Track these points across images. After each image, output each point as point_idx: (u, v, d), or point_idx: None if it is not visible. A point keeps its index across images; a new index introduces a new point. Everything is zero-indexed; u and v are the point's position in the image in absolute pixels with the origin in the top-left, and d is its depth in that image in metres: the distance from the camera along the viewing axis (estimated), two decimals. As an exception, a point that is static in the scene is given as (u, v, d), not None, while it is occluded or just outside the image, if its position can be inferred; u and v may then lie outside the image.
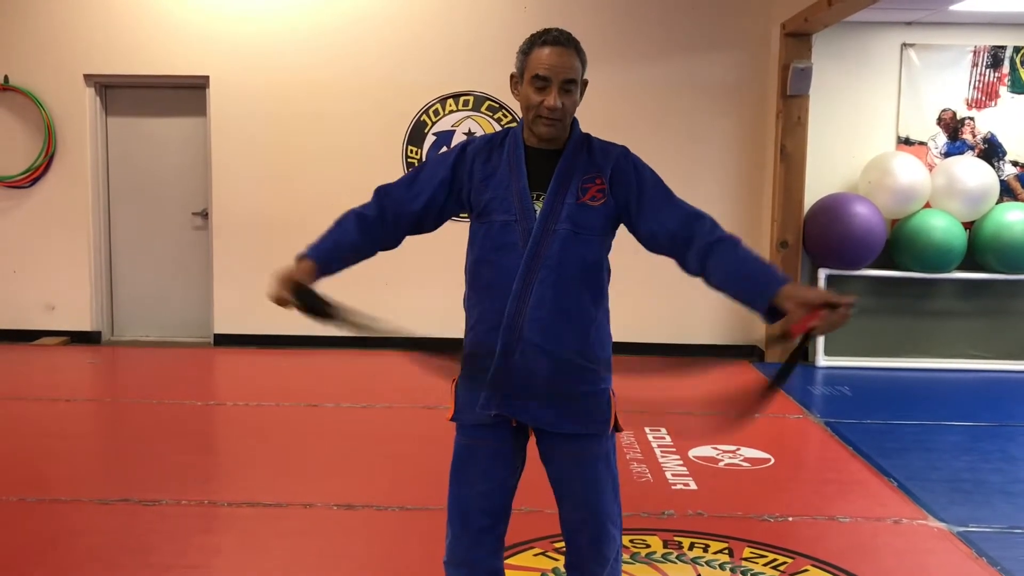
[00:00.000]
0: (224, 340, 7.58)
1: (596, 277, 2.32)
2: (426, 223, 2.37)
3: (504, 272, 2.26)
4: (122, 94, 7.68)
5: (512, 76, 2.32)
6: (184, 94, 7.58)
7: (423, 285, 7.26)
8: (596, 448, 2.34)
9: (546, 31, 2.25)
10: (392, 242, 2.40)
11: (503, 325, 2.25)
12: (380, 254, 7.02)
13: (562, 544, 3.37)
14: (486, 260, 2.30)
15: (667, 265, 2.42)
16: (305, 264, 2.25)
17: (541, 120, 2.24)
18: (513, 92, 2.32)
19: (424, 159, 7.39)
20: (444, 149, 7.37)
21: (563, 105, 2.22)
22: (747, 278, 2.16)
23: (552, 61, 2.20)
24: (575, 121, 2.34)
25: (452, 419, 2.38)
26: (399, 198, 2.34)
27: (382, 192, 2.37)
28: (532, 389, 2.26)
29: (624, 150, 2.38)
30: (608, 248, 2.36)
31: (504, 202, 2.28)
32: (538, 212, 2.26)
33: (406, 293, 7.24)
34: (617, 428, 2.37)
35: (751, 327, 7.45)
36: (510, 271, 2.25)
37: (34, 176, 7.52)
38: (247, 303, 7.55)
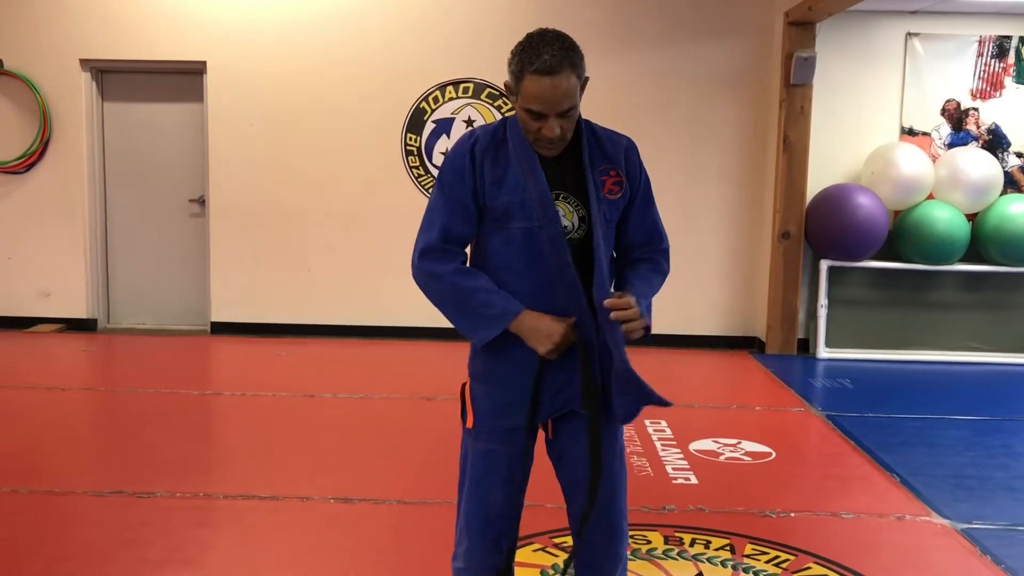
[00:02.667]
0: (221, 328, 7.53)
1: (613, 267, 2.32)
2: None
3: (535, 280, 2.20)
4: (118, 79, 7.60)
5: (506, 85, 2.18)
6: (181, 80, 7.51)
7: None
8: (612, 444, 2.29)
9: (537, 54, 2.05)
10: None
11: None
12: (376, 244, 6.98)
13: (562, 539, 3.35)
14: (511, 269, 2.22)
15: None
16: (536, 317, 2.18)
17: (541, 144, 2.16)
18: (509, 99, 2.23)
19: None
20: (444, 137, 7.32)
21: (562, 128, 2.12)
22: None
23: (546, 95, 2.05)
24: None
25: (474, 426, 2.29)
26: (460, 232, 2.22)
27: (443, 240, 2.21)
28: (557, 379, 2.24)
29: (631, 143, 2.32)
30: None
31: (524, 208, 2.18)
32: (562, 213, 2.19)
33: (405, 282, 7.18)
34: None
35: (753, 318, 7.41)
36: (542, 278, 2.20)
37: (29, 162, 7.45)
38: (244, 291, 7.51)
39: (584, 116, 2.29)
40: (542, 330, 2.14)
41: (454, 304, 2.23)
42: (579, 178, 2.22)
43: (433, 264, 2.21)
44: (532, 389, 2.22)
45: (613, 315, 2.10)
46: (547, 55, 2.04)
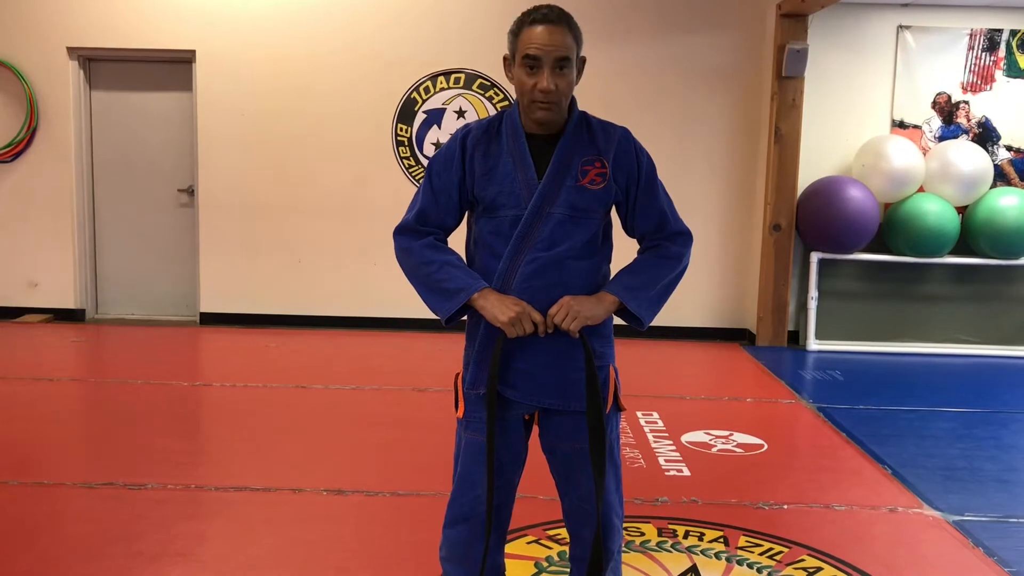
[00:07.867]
0: (210, 319, 7.50)
1: (590, 256, 2.27)
2: (456, 227, 2.36)
3: None
4: (107, 68, 7.53)
5: (505, 59, 2.25)
6: (170, 68, 7.45)
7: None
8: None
9: (535, 8, 2.18)
10: None
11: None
12: (366, 235, 6.99)
13: (556, 531, 3.35)
14: (500, 256, 2.24)
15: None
16: (502, 295, 2.20)
17: (536, 104, 2.17)
18: (507, 75, 2.26)
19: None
20: (434, 127, 7.29)
21: (557, 86, 2.15)
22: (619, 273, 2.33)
23: (542, 40, 2.13)
24: (573, 100, 2.27)
25: (464, 415, 2.30)
26: (437, 219, 2.29)
27: (419, 222, 2.29)
28: (532, 371, 2.23)
29: (625, 132, 2.32)
30: (605, 223, 2.32)
31: (513, 196, 2.22)
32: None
33: (396, 273, 7.15)
34: (617, 407, 2.34)
35: (743, 310, 7.42)
36: None
37: (16, 151, 7.38)
38: (233, 281, 7.47)
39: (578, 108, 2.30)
40: (506, 302, 2.16)
41: (421, 276, 2.28)
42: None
43: (405, 239, 2.30)
44: (494, 353, 2.20)
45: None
46: (545, 9, 2.18)
